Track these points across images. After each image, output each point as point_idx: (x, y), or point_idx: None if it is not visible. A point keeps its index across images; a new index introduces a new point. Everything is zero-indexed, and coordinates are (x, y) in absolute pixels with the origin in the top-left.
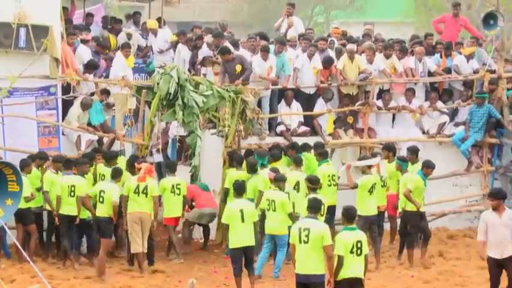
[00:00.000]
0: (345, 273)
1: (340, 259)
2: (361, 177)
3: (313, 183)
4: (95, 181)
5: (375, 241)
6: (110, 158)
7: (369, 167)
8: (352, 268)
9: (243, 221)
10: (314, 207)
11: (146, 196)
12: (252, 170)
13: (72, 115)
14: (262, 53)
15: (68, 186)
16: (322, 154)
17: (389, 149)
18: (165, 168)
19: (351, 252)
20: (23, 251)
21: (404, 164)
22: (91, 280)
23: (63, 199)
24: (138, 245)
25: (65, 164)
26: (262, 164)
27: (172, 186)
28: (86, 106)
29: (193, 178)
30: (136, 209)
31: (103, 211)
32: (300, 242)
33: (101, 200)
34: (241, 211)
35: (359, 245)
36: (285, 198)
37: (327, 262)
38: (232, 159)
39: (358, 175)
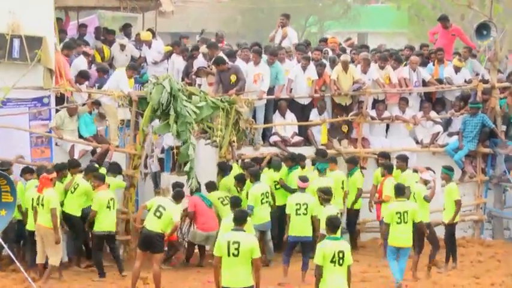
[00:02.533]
0: (328, 286)
1: (319, 269)
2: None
3: (327, 194)
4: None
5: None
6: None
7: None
8: (335, 280)
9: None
10: (240, 219)
11: (43, 208)
12: (256, 177)
13: (57, 116)
14: (254, 55)
15: (32, 200)
16: (352, 162)
17: (403, 159)
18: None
19: (332, 261)
20: (16, 261)
21: (451, 173)
22: None
23: (29, 213)
24: (39, 256)
25: (38, 177)
26: (324, 169)
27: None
28: (71, 110)
29: (194, 190)
30: (37, 220)
31: (157, 226)
32: (229, 255)
33: (158, 215)
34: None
35: (340, 255)
36: (415, 207)
37: (254, 274)
38: (250, 174)
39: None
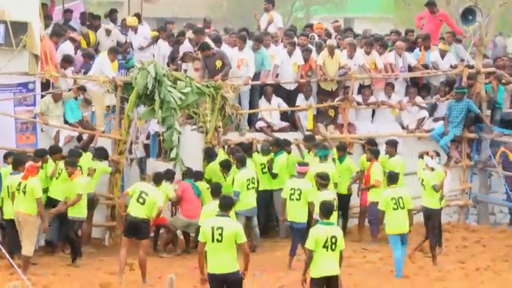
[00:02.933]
0: (321, 271)
1: (310, 254)
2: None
3: (324, 179)
4: (51, 179)
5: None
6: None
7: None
8: (327, 264)
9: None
10: (225, 205)
11: (24, 195)
12: (242, 163)
13: (42, 101)
14: (238, 40)
15: (7, 187)
16: (342, 149)
17: (393, 144)
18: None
19: (324, 246)
20: (1, 248)
21: (439, 159)
22: (70, 277)
23: (5, 201)
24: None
25: (13, 163)
26: (325, 155)
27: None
28: (56, 96)
29: (185, 175)
30: (15, 207)
31: (142, 212)
32: (213, 240)
33: (142, 201)
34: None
35: (333, 240)
36: (408, 194)
37: (244, 259)
38: (237, 159)
39: None
